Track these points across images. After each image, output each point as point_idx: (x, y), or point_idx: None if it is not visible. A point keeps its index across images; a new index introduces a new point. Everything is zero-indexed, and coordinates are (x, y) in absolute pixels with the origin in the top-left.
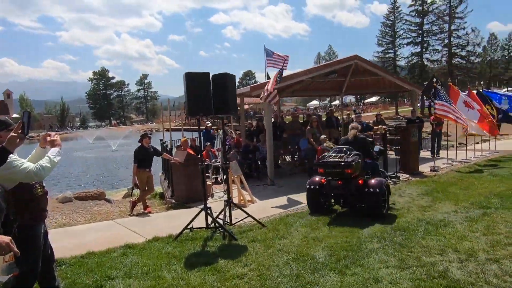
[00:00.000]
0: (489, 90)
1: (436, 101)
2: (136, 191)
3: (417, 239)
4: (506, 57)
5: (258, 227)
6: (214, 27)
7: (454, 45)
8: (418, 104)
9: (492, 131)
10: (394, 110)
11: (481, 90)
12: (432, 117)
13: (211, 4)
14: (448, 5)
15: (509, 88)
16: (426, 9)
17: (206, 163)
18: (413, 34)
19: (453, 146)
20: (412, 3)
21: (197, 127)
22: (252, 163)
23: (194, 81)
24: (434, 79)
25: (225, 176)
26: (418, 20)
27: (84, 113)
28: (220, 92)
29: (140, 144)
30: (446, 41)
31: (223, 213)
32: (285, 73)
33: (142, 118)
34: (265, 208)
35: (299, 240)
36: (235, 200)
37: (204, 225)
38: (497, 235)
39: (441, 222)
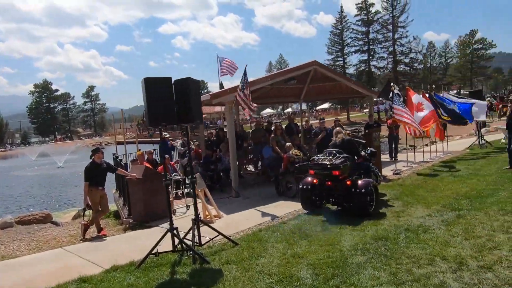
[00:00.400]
0: (440, 95)
1: (393, 106)
2: (89, 212)
3: (401, 248)
4: (443, 64)
5: (230, 245)
6: (163, 37)
7: (398, 53)
8: (383, 106)
9: (441, 136)
10: (346, 116)
11: (432, 94)
12: (389, 120)
13: (159, 14)
14: (391, 15)
15: (450, 92)
16: (371, 18)
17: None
18: (360, 43)
19: (404, 149)
20: (358, 13)
21: (150, 139)
22: (214, 175)
23: (154, 87)
24: (392, 84)
25: (187, 190)
26: (364, 29)
27: (25, 128)
28: (183, 99)
29: (91, 159)
30: (391, 48)
31: (190, 232)
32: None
33: (90, 131)
34: (234, 223)
35: (279, 258)
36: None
37: (171, 248)
38: (479, 239)
39: (419, 228)
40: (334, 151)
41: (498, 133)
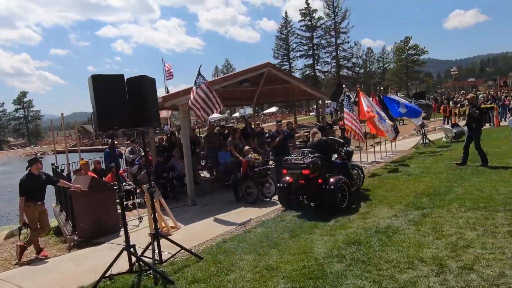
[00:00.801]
0: (388, 96)
1: (344, 109)
2: (25, 231)
3: (377, 252)
4: (381, 69)
5: (194, 260)
6: (102, 40)
7: (341, 58)
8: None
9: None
10: (293, 119)
11: (381, 96)
12: (341, 122)
13: (98, 16)
14: (333, 21)
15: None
16: (314, 24)
17: (116, 187)
18: (305, 47)
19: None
20: (302, 18)
21: (92, 147)
22: (167, 183)
23: (104, 86)
24: (344, 86)
25: (138, 201)
26: (308, 34)
27: None
28: (138, 99)
29: (28, 171)
30: (334, 53)
31: (149, 249)
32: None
33: (23, 141)
34: (195, 234)
35: (251, 272)
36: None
37: (127, 268)
38: (449, 237)
39: (389, 229)
40: (306, 151)
41: (437, 132)
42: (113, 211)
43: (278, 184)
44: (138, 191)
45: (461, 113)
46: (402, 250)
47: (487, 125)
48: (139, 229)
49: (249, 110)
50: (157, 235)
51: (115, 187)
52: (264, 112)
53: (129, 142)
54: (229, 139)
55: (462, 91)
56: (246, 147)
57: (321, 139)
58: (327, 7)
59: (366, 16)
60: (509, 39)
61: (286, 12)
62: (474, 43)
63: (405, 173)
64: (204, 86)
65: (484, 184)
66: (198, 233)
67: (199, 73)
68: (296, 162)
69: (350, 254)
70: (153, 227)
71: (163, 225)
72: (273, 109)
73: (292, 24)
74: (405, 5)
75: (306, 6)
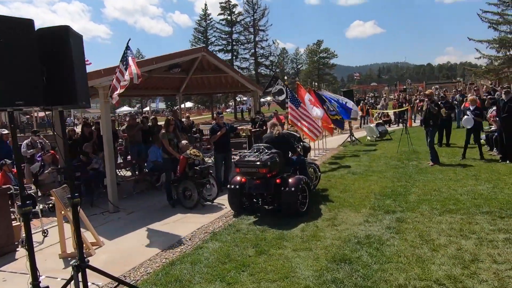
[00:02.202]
0: (321, 92)
1: (290, 104)
2: None
3: (378, 273)
4: (295, 69)
5: None
6: None
7: (259, 55)
8: (246, 106)
9: (330, 130)
10: (210, 115)
11: (315, 91)
12: (281, 117)
13: None
14: (252, 18)
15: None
16: (234, 19)
17: (11, 191)
18: (224, 42)
19: None
20: (222, 12)
21: None
22: (80, 184)
23: (1, 34)
24: (279, 80)
25: (41, 207)
26: (227, 29)
27: None
28: (57, 63)
29: None
30: (253, 50)
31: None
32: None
33: None
34: (126, 254)
35: None
36: (70, 246)
37: None
38: (446, 248)
39: (371, 240)
40: (262, 147)
41: (360, 131)
42: (5, 225)
43: (228, 186)
44: (40, 194)
45: (379, 114)
46: (405, 268)
47: (400, 125)
48: (43, 248)
49: (161, 105)
50: (84, 265)
51: (9, 191)
52: (177, 107)
53: (32, 133)
54: (162, 131)
55: (373, 93)
56: (184, 142)
57: (281, 133)
58: (246, 3)
59: (276, 18)
60: (400, 51)
61: (206, 4)
62: (371, 52)
63: (348, 171)
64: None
65: (438, 183)
66: (131, 251)
67: (127, 47)
68: (251, 159)
69: (347, 277)
70: (77, 253)
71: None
72: (189, 104)
73: (212, 18)
74: (312, 12)
75: (227, 0)
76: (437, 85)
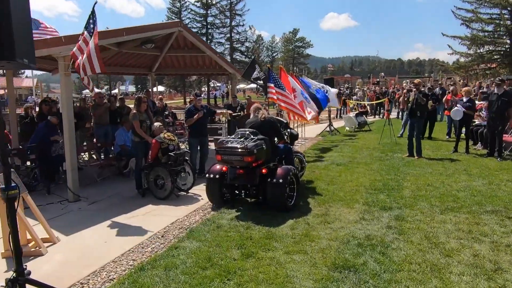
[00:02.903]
0: (302, 78)
1: (269, 84)
2: None
3: (388, 284)
4: (270, 57)
5: None
6: None
7: (234, 40)
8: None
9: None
10: (182, 100)
11: (299, 77)
12: (257, 102)
13: None
14: (229, 1)
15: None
16: (210, 1)
17: None
18: (199, 25)
19: None
20: None
21: None
22: (34, 169)
23: None
24: (267, 65)
25: None
26: (202, 11)
27: None
28: None
29: None
30: (228, 35)
31: None
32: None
33: None
34: (85, 253)
35: None
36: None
37: None
38: (459, 254)
39: (373, 241)
40: (247, 132)
41: (338, 121)
42: None
43: (207, 175)
44: None
45: (355, 104)
46: (421, 279)
47: (377, 117)
48: None
49: (131, 88)
50: (21, 281)
51: None
52: (149, 90)
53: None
54: (133, 112)
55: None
56: (157, 124)
57: (266, 117)
58: None
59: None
60: (372, 45)
61: None
62: (344, 44)
63: (332, 162)
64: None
65: (429, 178)
66: (91, 250)
67: (93, 13)
68: (234, 145)
69: None
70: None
71: (28, 237)
72: (161, 88)
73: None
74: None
75: None
76: (408, 79)
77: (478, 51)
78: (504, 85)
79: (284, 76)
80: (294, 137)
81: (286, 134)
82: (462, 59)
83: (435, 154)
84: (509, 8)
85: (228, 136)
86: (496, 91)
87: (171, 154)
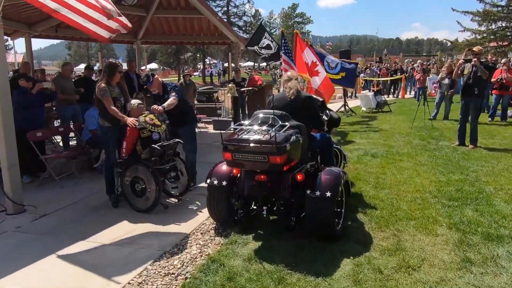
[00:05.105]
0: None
1: (284, 59)
2: None
3: None
4: (269, 32)
5: None
6: None
7: (231, 14)
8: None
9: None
10: (176, 78)
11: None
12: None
13: None
14: None
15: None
16: None
17: None
18: None
19: None
20: None
21: None
22: None
23: None
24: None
25: None
26: None
27: None
28: None
29: None
30: (225, 8)
31: None
32: None
33: None
34: None
35: None
36: None
37: None
38: None
39: None
40: (272, 115)
41: (353, 100)
42: None
43: (208, 181)
44: None
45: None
46: None
47: (391, 96)
48: None
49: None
50: None
51: None
52: (142, 68)
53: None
54: (101, 84)
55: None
56: (135, 102)
57: (302, 94)
58: None
59: None
60: (369, 24)
61: None
62: (341, 23)
63: (365, 153)
64: None
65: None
66: None
67: None
68: (255, 138)
69: None
70: None
71: None
72: (154, 65)
73: None
74: None
75: None
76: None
77: (490, 27)
78: None
79: (300, 43)
80: (334, 122)
81: (326, 118)
82: (471, 37)
83: (491, 142)
84: None
85: (243, 122)
86: None
87: (155, 146)
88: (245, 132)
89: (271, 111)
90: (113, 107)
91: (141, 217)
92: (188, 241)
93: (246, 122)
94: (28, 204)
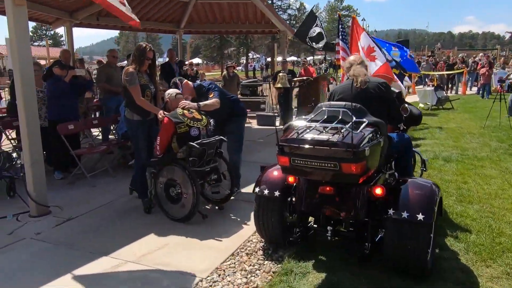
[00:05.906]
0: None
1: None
2: None
3: None
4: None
5: None
6: None
7: (276, 7)
8: (258, 64)
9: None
10: (220, 72)
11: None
12: (311, 68)
13: None
14: None
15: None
16: None
17: None
18: None
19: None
20: None
21: None
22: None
23: None
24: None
25: None
26: None
27: None
28: None
29: None
30: (270, 1)
31: None
32: None
33: None
34: None
35: None
36: None
37: None
38: None
39: None
40: (341, 111)
41: (410, 95)
42: None
43: (256, 190)
44: None
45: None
46: None
47: (449, 92)
48: None
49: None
50: None
51: None
52: (186, 62)
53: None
54: (128, 70)
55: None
56: (172, 91)
57: (372, 81)
58: None
59: None
60: (417, 18)
61: None
62: (388, 17)
63: (435, 156)
64: None
65: None
66: None
67: None
68: (321, 138)
69: None
70: None
71: None
72: (198, 60)
73: None
74: None
75: None
76: (464, 52)
77: None
78: None
79: (357, 29)
80: (414, 120)
81: (404, 115)
82: None
83: None
84: None
85: (305, 117)
86: None
87: (193, 144)
88: (309, 130)
89: (341, 102)
90: (141, 98)
91: (175, 228)
92: (231, 265)
93: (308, 116)
94: (54, 204)
